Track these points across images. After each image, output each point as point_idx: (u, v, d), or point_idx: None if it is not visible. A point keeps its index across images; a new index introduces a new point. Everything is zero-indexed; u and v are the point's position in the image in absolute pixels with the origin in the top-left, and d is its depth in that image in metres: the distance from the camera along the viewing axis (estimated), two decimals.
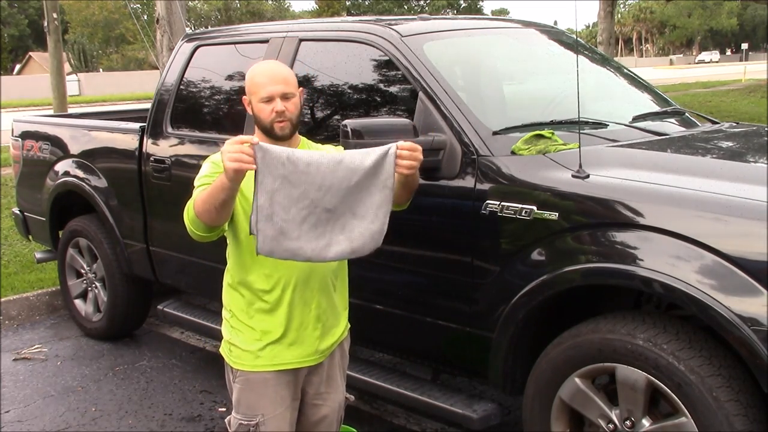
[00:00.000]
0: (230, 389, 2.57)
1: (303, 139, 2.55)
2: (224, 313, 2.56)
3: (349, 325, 2.66)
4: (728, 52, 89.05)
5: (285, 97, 2.38)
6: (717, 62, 73.86)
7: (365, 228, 2.30)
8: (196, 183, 2.38)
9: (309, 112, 3.62)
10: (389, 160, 2.27)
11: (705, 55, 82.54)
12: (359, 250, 2.31)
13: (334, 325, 2.54)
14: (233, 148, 2.13)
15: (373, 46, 3.31)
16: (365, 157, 2.27)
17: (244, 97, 2.47)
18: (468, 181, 2.85)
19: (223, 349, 2.56)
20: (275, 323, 2.43)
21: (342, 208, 2.27)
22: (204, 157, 3.90)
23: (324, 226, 2.26)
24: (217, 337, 2.98)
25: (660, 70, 50.41)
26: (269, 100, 2.37)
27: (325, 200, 2.24)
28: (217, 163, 2.35)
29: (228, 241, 2.49)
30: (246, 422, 2.46)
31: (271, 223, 2.20)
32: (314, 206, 2.23)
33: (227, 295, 2.53)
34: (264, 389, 2.46)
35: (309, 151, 2.30)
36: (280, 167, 2.18)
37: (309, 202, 2.22)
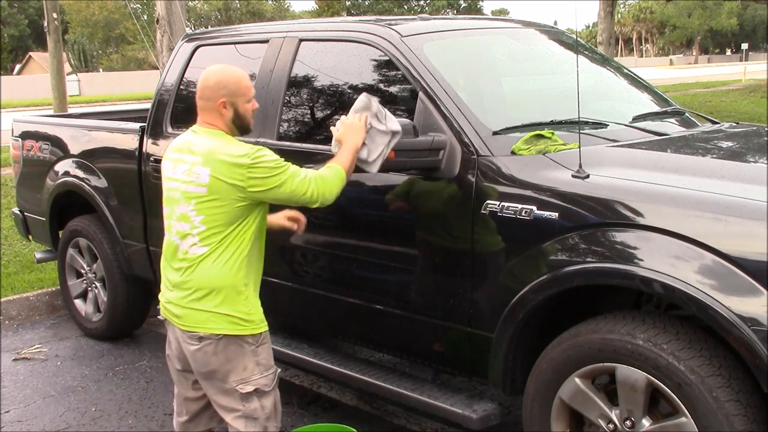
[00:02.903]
0: (244, 366, 2.64)
1: None
2: (236, 291, 2.63)
3: None
4: (728, 52, 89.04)
5: None
6: None
7: None
8: (280, 164, 2.60)
9: (309, 112, 3.62)
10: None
11: None
12: None
13: None
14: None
15: (373, 46, 3.31)
16: None
17: (221, 100, 2.63)
18: (468, 181, 2.85)
19: (237, 327, 2.63)
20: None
21: None
22: None
23: None
24: None
25: (660, 70, 50.35)
26: (251, 100, 2.70)
27: None
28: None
29: (251, 223, 2.65)
30: (272, 374, 2.71)
31: None
32: None
33: (244, 270, 2.64)
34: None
35: None
36: None
37: None
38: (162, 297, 2.79)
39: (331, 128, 2.87)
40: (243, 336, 2.64)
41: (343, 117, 2.84)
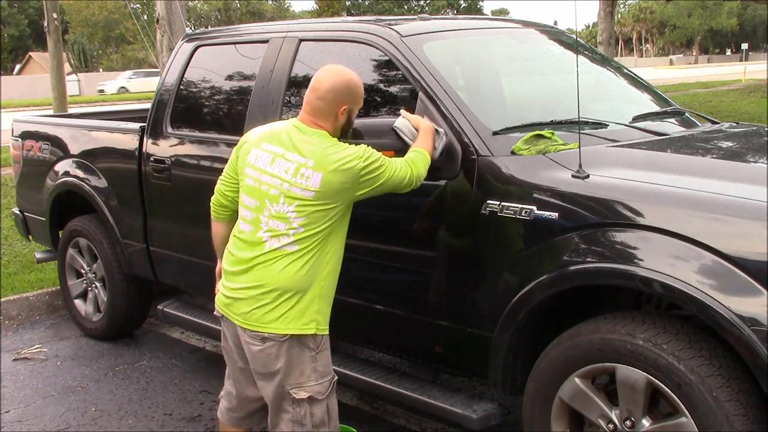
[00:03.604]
0: (301, 371, 2.62)
1: None
2: (311, 289, 2.62)
3: None
4: (728, 52, 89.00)
5: None
6: None
7: None
8: (383, 160, 2.62)
9: None
10: None
11: None
12: None
13: None
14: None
15: (373, 46, 3.31)
16: None
17: (343, 107, 2.65)
18: (468, 181, 2.85)
19: (302, 325, 2.61)
20: None
21: None
22: (204, 157, 3.93)
23: None
24: (217, 336, 2.97)
25: (660, 70, 50.38)
26: None
27: None
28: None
29: (339, 223, 2.65)
30: (328, 381, 2.68)
31: None
32: None
33: (324, 269, 2.64)
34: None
35: None
36: None
37: None
38: (224, 289, 2.73)
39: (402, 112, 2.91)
40: (305, 338, 2.61)
41: (403, 111, 2.91)
